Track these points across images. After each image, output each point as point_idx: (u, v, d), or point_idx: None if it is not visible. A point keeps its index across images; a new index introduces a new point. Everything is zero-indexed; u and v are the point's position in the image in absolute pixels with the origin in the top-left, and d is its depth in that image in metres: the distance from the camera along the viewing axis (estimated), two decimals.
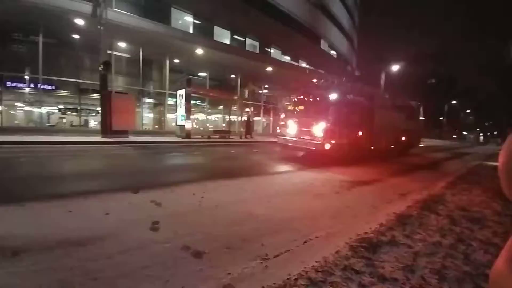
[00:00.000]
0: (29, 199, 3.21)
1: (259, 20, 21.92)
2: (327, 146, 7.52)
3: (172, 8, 17.64)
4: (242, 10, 20.41)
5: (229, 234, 2.57)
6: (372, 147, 9.26)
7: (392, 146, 10.67)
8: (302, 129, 8.40)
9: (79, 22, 13.03)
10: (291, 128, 8.86)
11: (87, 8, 12.39)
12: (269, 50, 25.14)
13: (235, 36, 21.88)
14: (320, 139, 7.63)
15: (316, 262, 2.04)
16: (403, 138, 11.44)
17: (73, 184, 4.22)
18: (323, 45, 31.48)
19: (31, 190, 3.72)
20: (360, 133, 8.57)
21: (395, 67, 23.67)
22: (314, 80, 10.33)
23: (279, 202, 3.76)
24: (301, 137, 8.29)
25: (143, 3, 16.49)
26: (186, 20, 18.74)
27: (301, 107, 8.97)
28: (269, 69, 22.16)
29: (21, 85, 14.56)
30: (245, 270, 1.94)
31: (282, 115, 9.64)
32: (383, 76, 23.13)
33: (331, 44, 33.12)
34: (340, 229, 2.84)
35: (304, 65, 28.58)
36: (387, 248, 2.35)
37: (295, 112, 9.12)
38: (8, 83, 14.07)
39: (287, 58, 26.98)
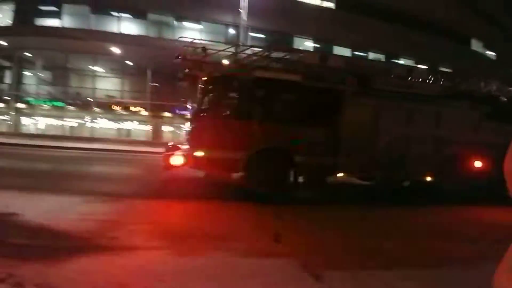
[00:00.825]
0: (179, 197, 4.31)
1: (384, 31, 20.01)
2: (184, 161, 4.52)
3: (294, 38, 19.53)
4: (362, 24, 19.41)
5: (353, 263, 2.37)
6: (342, 172, 5.11)
7: (430, 178, 5.34)
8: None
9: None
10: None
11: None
12: (396, 61, 22.20)
13: (356, 52, 20.91)
14: (188, 148, 4.86)
15: None
16: (474, 163, 5.29)
17: (215, 190, 5.24)
18: (476, 45, 24.60)
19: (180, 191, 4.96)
20: (298, 142, 4.62)
21: None
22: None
23: (412, 233, 3.12)
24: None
25: (271, 38, 19.03)
26: (306, 45, 19.89)
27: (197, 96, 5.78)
28: None
29: (185, 112, 20.14)
30: None
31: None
32: None
33: (487, 43, 25.33)
34: None
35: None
36: None
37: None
38: (178, 111, 19.94)
39: (422, 67, 22.82)
